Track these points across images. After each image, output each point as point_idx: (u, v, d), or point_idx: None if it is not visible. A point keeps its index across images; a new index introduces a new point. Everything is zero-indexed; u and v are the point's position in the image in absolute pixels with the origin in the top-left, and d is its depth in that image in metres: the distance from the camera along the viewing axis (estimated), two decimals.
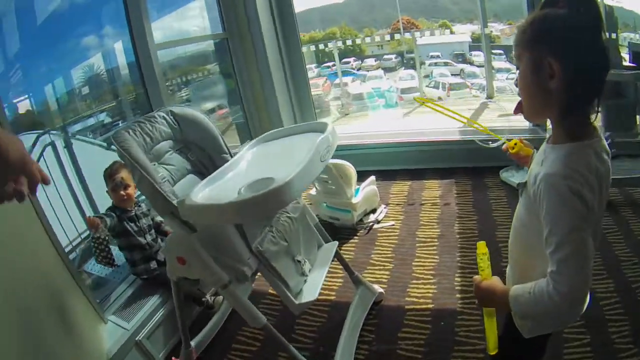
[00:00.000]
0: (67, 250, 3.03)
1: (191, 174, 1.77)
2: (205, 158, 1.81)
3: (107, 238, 1.76)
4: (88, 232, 3.29)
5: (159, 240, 2.26)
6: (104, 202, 2.15)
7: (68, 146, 3.26)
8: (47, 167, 2.95)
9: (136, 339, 1.95)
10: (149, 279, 2.17)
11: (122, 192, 2.02)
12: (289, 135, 1.77)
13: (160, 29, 3.10)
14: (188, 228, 1.44)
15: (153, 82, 2.60)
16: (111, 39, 3.59)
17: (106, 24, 3.65)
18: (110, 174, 2.03)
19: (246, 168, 1.56)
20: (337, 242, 1.87)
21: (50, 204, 2.81)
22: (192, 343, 1.88)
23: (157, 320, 2.06)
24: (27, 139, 3.02)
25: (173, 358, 1.99)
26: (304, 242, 1.71)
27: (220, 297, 2.16)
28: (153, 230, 2.23)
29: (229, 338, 2.03)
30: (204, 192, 1.38)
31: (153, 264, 2.16)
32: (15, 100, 3.41)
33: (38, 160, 2.94)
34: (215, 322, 2.09)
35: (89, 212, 3.31)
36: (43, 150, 3.03)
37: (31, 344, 1.47)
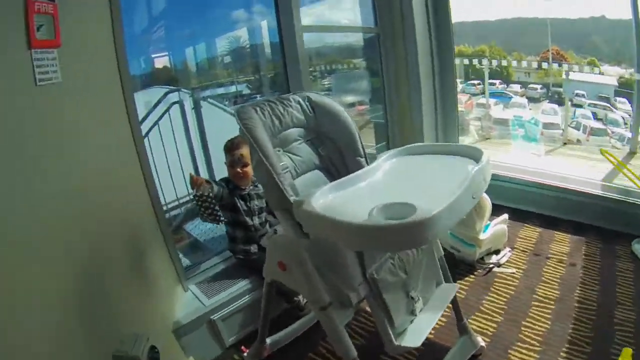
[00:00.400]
0: (172, 207, 3.14)
1: (318, 169, 1.59)
2: (337, 156, 1.62)
3: (210, 195, 1.68)
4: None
5: (267, 225, 2.14)
6: (222, 170, 2.07)
7: (197, 107, 3.29)
8: (171, 123, 3.02)
9: (211, 317, 1.85)
10: (244, 261, 2.07)
11: (238, 169, 1.93)
12: (436, 153, 1.51)
13: (310, 15, 3.01)
14: (300, 232, 1.25)
15: (294, 63, 2.45)
16: (259, 15, 3.67)
17: (256, 1, 3.76)
18: (230, 148, 1.93)
19: (382, 182, 1.34)
20: (457, 286, 1.61)
21: (167, 160, 2.87)
22: (268, 340, 1.75)
23: (238, 305, 1.94)
24: (158, 92, 3.09)
25: (242, 347, 1.88)
26: (423, 277, 1.46)
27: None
28: (264, 214, 2.11)
29: (308, 346, 1.88)
30: (327, 199, 1.18)
31: (253, 247, 2.05)
32: (154, 55, 3.68)
33: (163, 115, 3.00)
34: (300, 325, 1.92)
35: (205, 176, 3.34)
36: (170, 107, 3.07)
37: (104, 292, 1.41)
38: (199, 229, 3.11)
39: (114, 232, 1.48)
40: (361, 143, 1.61)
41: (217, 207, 1.65)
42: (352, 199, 1.18)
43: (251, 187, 2.03)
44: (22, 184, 1.13)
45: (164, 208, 3.06)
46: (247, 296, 1.97)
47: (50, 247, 1.18)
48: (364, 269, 1.28)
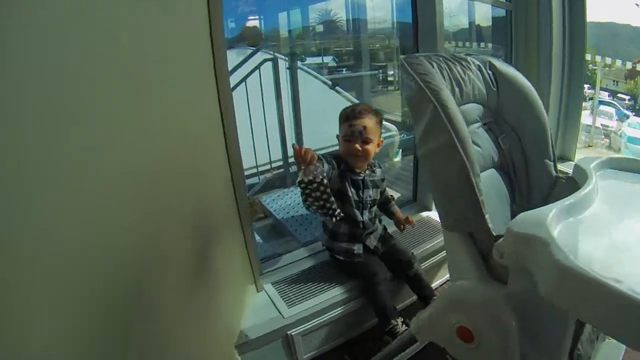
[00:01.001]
0: (248, 175, 2.75)
1: (494, 169, 1.16)
2: (518, 153, 1.18)
3: (324, 182, 1.11)
4: (282, 161, 3.07)
5: (377, 221, 1.65)
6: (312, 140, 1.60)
7: (292, 69, 2.89)
8: (261, 82, 2.69)
9: (289, 332, 1.41)
10: (343, 263, 1.60)
11: (357, 146, 1.44)
12: None
13: None
14: (493, 277, 0.82)
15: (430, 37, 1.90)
16: None
17: None
18: (349, 116, 1.45)
19: (608, 213, 0.82)
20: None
21: (250, 122, 2.60)
22: None
23: (326, 318, 1.48)
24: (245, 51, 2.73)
25: None
26: None
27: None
28: (375, 208, 1.62)
29: None
30: (559, 229, 0.70)
31: (357, 247, 1.56)
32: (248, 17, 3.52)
33: (253, 72, 2.68)
34: None
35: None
36: (261, 64, 2.70)
37: (153, 295, 0.96)
38: (277, 204, 2.68)
39: (179, 212, 1.03)
40: (552, 140, 1.17)
41: (332, 197, 1.12)
42: (586, 238, 0.70)
43: (367, 173, 1.55)
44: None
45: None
46: (339, 308, 1.51)
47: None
48: (575, 343, 0.83)
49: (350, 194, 1.49)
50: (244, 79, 2.63)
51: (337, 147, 1.55)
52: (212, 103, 1.17)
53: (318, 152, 1.35)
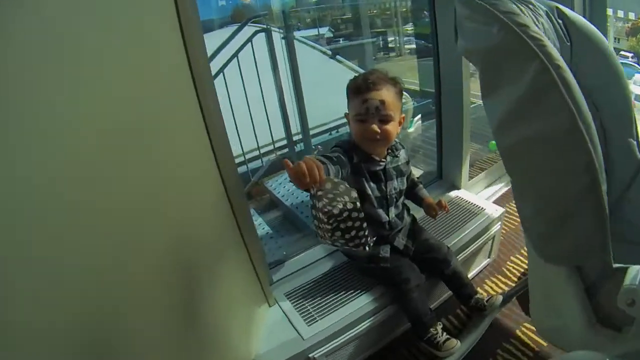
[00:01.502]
0: (251, 158, 2.48)
1: None
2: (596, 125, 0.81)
3: (356, 201, 0.78)
4: (285, 140, 2.75)
5: (406, 213, 1.36)
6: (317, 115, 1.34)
7: (287, 39, 2.59)
8: (254, 55, 2.36)
9: (310, 355, 1.17)
10: (369, 269, 1.33)
11: (374, 127, 1.13)
12: None
13: None
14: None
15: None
16: None
17: None
18: (359, 89, 1.14)
19: None
20: None
21: (247, 100, 2.32)
22: None
23: (352, 334, 1.24)
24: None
25: None
26: None
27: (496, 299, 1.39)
28: (402, 199, 1.33)
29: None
30: None
31: (384, 251, 1.29)
32: None
33: (244, 45, 2.39)
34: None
35: (296, 128, 2.75)
36: (253, 35, 2.40)
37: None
38: (285, 188, 2.43)
39: (149, 239, 0.78)
40: (634, 115, 0.91)
41: (365, 222, 0.82)
42: None
43: (389, 159, 1.25)
44: None
45: (243, 159, 2.48)
46: (367, 320, 1.26)
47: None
48: None
49: (370, 191, 1.21)
50: (234, 55, 2.32)
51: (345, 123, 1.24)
52: (186, 94, 0.89)
53: (322, 137, 1.08)
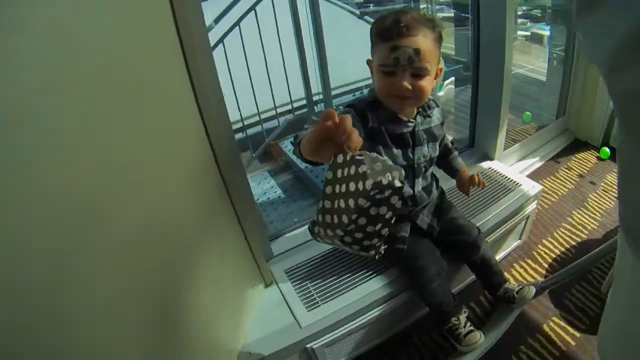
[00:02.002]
0: (268, 117, 2.37)
1: None
2: None
3: (400, 184, 0.53)
4: (305, 100, 2.57)
5: (434, 186, 1.14)
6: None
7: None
8: (274, 8, 2.13)
9: (308, 345, 1.01)
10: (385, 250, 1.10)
11: (405, 84, 0.88)
12: None
13: None
14: None
15: None
16: None
17: None
18: (389, 33, 0.87)
19: None
20: None
21: (265, 59, 2.13)
22: None
23: (360, 322, 1.07)
24: None
25: None
26: None
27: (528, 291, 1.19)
28: (432, 168, 1.11)
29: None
30: None
31: (404, 230, 1.09)
32: None
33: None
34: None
35: (316, 85, 2.51)
36: None
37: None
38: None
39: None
40: None
41: (394, 219, 0.56)
42: None
43: (420, 119, 1.01)
44: None
45: (258, 119, 2.28)
46: (377, 308, 1.09)
47: None
48: None
49: (394, 158, 0.98)
50: (252, 7, 2.05)
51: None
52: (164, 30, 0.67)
53: (345, 98, 0.87)
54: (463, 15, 2.90)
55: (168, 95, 0.70)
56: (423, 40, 0.85)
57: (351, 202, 0.54)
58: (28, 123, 0.42)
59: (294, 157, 2.23)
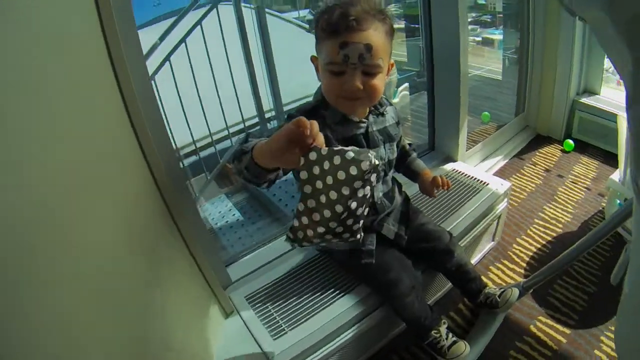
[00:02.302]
0: (220, 138, 2.23)
1: None
2: None
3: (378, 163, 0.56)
4: (257, 117, 2.52)
5: (397, 192, 1.06)
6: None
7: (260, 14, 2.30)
8: (221, 27, 2.05)
9: None
10: (349, 266, 1.07)
11: (357, 84, 0.80)
12: None
13: None
14: None
15: None
16: None
17: None
18: (337, 28, 0.77)
19: None
20: None
21: (213, 75, 2.02)
22: None
23: (333, 347, 0.97)
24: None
25: None
26: None
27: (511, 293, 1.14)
28: (392, 172, 1.03)
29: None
30: None
31: (369, 242, 1.01)
32: None
33: (206, 14, 2.06)
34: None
35: (268, 105, 2.45)
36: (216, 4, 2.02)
37: None
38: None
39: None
40: None
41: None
42: None
43: (372, 118, 0.93)
44: None
45: (210, 140, 2.18)
46: (351, 330, 0.99)
47: None
48: None
49: None
50: (197, 24, 1.98)
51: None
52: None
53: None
54: (413, 26, 2.94)
55: (97, 119, 0.62)
56: (374, 35, 0.77)
57: (345, 190, 0.55)
58: None
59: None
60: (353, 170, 0.54)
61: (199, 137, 2.12)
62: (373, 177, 0.56)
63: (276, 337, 0.93)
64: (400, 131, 1.04)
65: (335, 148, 0.54)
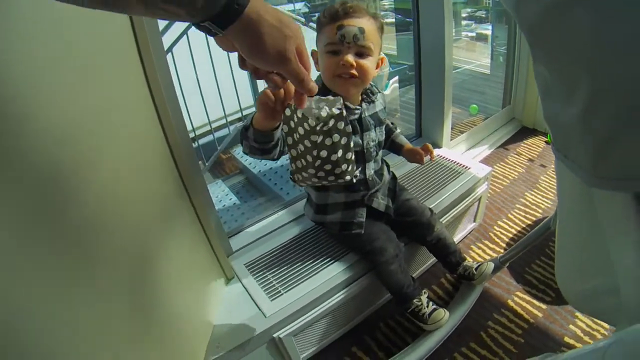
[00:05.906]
0: (218, 127, 2.28)
1: None
2: None
3: (341, 110, 0.69)
4: (254, 107, 2.50)
5: (385, 169, 1.17)
6: None
7: None
8: None
9: (274, 335, 1.00)
10: (340, 236, 1.16)
11: (349, 58, 0.92)
12: None
13: None
14: None
15: None
16: None
17: None
18: (335, 15, 0.93)
19: None
20: None
21: (212, 63, 2.09)
22: None
23: (324, 309, 1.07)
24: None
25: None
26: None
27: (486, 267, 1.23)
28: (381, 152, 1.14)
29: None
30: None
31: (360, 214, 1.11)
32: None
33: None
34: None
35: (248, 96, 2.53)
36: None
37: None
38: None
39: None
40: None
41: (351, 142, 0.75)
42: None
43: (365, 105, 1.04)
44: None
45: (209, 128, 2.27)
46: (340, 293, 1.09)
47: None
48: None
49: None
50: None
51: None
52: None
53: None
54: (406, 20, 3.01)
55: (131, 105, 0.72)
56: (367, 23, 0.91)
57: (307, 142, 0.65)
58: None
59: (246, 164, 2.23)
60: (306, 126, 0.64)
61: (197, 124, 2.23)
62: (340, 125, 0.65)
63: (273, 298, 1.03)
64: (386, 114, 1.14)
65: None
